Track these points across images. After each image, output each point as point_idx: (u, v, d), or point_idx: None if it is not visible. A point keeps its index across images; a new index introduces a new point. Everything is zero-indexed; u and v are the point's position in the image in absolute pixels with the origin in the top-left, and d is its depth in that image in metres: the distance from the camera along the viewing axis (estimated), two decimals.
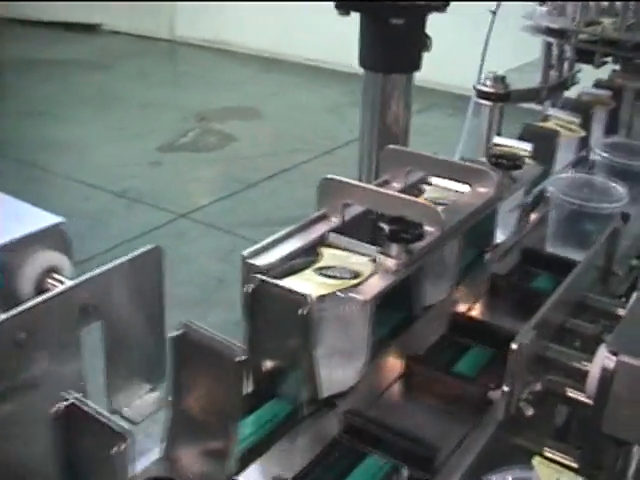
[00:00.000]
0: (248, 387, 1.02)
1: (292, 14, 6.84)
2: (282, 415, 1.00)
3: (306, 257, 1.05)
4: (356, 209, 1.14)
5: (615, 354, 0.92)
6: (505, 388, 0.91)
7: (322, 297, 0.95)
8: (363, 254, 1.04)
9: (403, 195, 1.11)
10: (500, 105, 1.90)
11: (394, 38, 1.39)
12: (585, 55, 1.96)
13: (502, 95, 1.87)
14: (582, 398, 0.99)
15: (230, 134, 5.63)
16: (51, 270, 0.86)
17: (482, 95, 1.88)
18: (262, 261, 0.99)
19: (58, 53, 7.21)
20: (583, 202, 1.41)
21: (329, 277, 0.99)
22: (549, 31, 1.95)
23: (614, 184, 1.48)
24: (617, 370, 0.92)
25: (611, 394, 0.94)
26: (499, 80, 1.87)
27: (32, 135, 5.25)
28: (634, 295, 1.10)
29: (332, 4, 1.53)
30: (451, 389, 1.08)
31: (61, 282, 0.84)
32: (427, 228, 1.03)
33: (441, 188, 1.28)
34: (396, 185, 1.22)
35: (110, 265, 0.86)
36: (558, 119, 1.71)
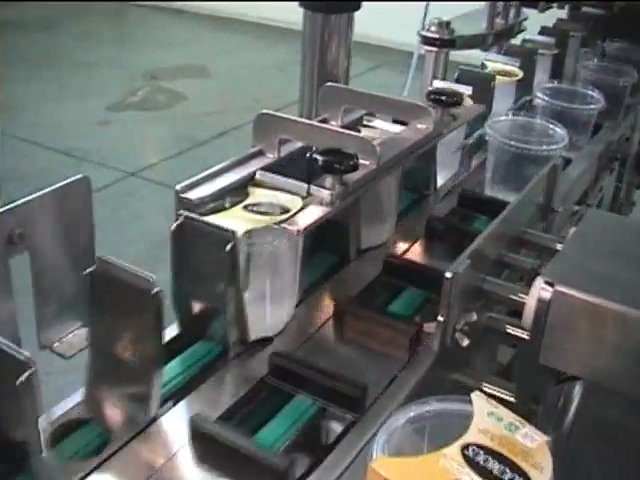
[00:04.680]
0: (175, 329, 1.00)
1: None
2: (210, 356, 0.98)
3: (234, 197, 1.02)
4: (293, 145, 1.12)
5: (551, 284, 0.92)
6: (440, 318, 0.90)
7: (248, 232, 0.93)
8: (292, 192, 1.02)
9: (338, 128, 1.09)
10: (445, 51, 1.87)
11: None
12: (529, 1, 1.95)
13: (447, 41, 1.84)
14: (519, 332, 0.99)
15: (180, 92, 5.54)
16: None
17: (427, 41, 1.85)
18: (195, 195, 0.97)
19: None
20: (522, 145, 1.38)
21: (257, 213, 0.98)
22: None
23: (553, 126, 1.45)
24: (553, 300, 0.92)
25: (547, 325, 0.93)
26: (444, 26, 1.84)
27: None
28: (572, 229, 1.09)
29: None
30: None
31: None
32: (363, 161, 1.02)
33: (380, 130, 1.26)
34: (334, 123, 1.20)
35: (36, 194, 0.84)
36: (496, 65, 1.67)
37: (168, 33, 7.01)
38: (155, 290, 0.79)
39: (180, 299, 0.98)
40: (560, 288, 0.91)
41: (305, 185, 1.01)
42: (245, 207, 0.99)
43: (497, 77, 1.69)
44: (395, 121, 1.27)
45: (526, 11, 2.06)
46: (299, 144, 1.11)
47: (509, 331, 1.00)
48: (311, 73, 1.41)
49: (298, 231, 0.91)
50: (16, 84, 5.37)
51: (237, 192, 1.03)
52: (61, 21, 7.11)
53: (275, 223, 0.94)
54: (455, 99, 1.25)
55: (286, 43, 6.26)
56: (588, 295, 0.90)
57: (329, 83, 1.26)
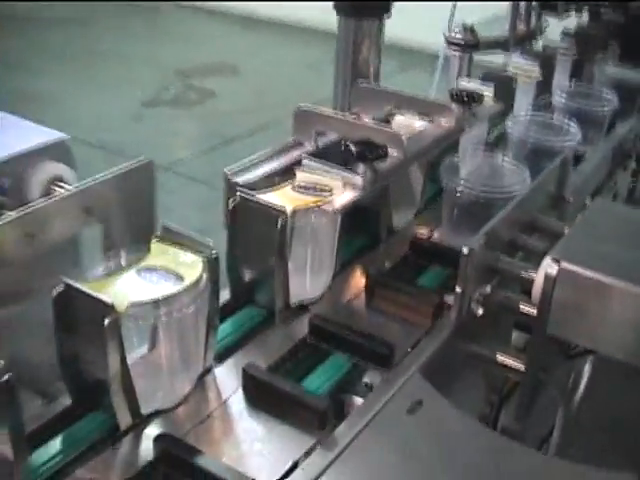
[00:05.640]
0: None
1: None
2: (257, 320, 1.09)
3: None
4: (329, 137, 1.25)
5: (557, 262, 1.04)
6: (458, 289, 1.02)
7: (296, 211, 1.04)
8: (334, 175, 1.12)
9: (369, 122, 1.22)
10: (469, 53, 1.99)
11: None
12: (550, 7, 2.06)
13: (471, 44, 1.96)
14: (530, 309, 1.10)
15: (211, 90, 5.66)
16: (57, 179, 0.97)
17: (452, 44, 1.97)
18: (242, 178, 1.10)
19: (38, 10, 7.12)
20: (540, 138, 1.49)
21: (304, 194, 1.08)
22: None
23: (568, 124, 1.56)
24: (559, 276, 1.04)
25: (554, 299, 1.05)
26: (468, 30, 1.96)
27: (10, 86, 5.24)
28: (579, 215, 1.21)
29: None
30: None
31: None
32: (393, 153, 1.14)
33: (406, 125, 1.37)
34: (365, 117, 1.32)
35: (107, 174, 0.97)
36: (517, 67, 1.77)
37: (200, 32, 7.12)
38: None
39: (233, 269, 1.10)
40: (565, 265, 1.03)
41: (342, 171, 1.11)
42: (293, 187, 1.10)
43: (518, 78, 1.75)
44: None
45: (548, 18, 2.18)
46: (334, 135, 1.23)
47: (521, 307, 1.11)
48: (344, 72, 1.54)
49: (335, 210, 1.04)
50: (53, 79, 5.51)
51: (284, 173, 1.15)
52: (99, 17, 7.26)
53: (317, 203, 1.05)
54: (476, 98, 1.36)
55: (317, 43, 6.36)
56: (591, 271, 1.02)
57: (361, 81, 1.38)
